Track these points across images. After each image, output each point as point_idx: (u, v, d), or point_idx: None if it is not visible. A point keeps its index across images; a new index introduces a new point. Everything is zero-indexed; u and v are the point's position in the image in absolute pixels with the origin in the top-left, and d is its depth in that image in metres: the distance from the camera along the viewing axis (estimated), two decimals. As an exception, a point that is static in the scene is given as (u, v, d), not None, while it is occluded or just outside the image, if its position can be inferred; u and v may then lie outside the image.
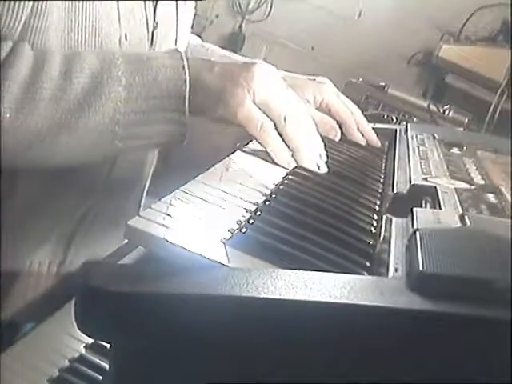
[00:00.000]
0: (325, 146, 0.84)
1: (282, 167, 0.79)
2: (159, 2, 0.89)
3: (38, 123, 0.69)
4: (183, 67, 0.73)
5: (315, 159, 0.81)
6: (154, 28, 0.89)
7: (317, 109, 0.96)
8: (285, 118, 0.78)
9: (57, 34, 0.76)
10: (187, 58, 0.75)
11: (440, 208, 0.64)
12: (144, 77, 0.73)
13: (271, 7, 3.02)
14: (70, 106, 0.70)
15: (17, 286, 0.90)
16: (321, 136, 0.85)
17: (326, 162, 0.82)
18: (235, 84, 0.75)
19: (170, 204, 0.58)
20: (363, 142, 1.02)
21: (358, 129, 1.01)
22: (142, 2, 0.87)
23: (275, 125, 0.78)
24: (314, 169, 0.80)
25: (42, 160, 0.74)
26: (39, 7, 0.74)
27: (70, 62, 0.72)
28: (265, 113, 0.77)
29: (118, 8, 0.82)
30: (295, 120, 0.79)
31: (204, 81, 0.75)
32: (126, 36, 0.83)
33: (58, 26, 0.76)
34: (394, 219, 0.63)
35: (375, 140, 1.04)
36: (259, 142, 0.79)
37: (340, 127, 0.97)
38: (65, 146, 0.72)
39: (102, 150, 0.76)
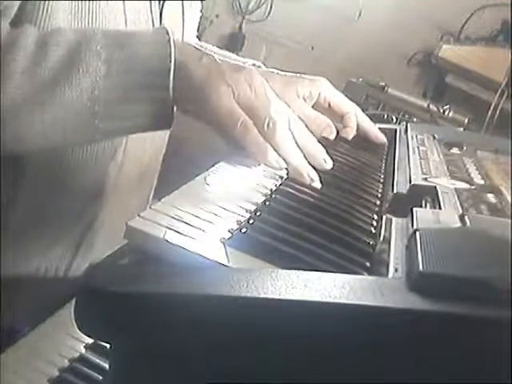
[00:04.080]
0: (326, 149, 0.79)
1: (270, 167, 0.73)
2: (165, 3, 0.89)
3: (10, 99, 0.65)
4: (168, 41, 0.69)
5: (306, 169, 0.74)
6: None
7: (314, 105, 0.92)
8: (268, 124, 0.71)
9: None
10: (176, 40, 0.70)
11: (440, 208, 0.64)
12: (125, 51, 0.68)
13: (271, 7, 3.02)
14: (45, 80, 0.66)
15: (23, 291, 0.90)
16: (319, 142, 0.79)
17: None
18: (220, 80, 0.70)
19: (170, 204, 0.58)
20: (364, 135, 0.98)
21: (359, 126, 0.97)
22: (148, 3, 0.86)
23: (259, 131, 0.71)
24: (306, 180, 0.72)
25: (18, 141, 0.69)
26: (45, 10, 0.73)
27: (47, 36, 0.68)
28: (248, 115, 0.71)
29: (124, 11, 0.81)
30: (283, 126, 0.72)
31: (189, 69, 0.69)
32: None
33: None
34: (394, 219, 0.63)
35: (380, 136, 0.99)
36: (237, 143, 0.71)
37: (335, 125, 0.92)
38: (40, 125, 0.67)
39: (82, 132, 0.70)
